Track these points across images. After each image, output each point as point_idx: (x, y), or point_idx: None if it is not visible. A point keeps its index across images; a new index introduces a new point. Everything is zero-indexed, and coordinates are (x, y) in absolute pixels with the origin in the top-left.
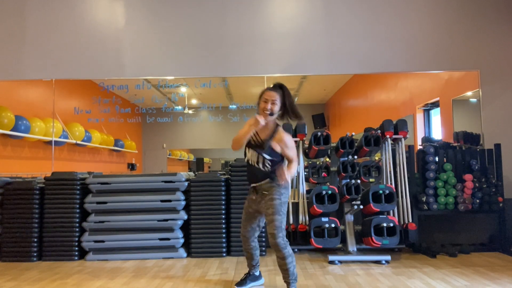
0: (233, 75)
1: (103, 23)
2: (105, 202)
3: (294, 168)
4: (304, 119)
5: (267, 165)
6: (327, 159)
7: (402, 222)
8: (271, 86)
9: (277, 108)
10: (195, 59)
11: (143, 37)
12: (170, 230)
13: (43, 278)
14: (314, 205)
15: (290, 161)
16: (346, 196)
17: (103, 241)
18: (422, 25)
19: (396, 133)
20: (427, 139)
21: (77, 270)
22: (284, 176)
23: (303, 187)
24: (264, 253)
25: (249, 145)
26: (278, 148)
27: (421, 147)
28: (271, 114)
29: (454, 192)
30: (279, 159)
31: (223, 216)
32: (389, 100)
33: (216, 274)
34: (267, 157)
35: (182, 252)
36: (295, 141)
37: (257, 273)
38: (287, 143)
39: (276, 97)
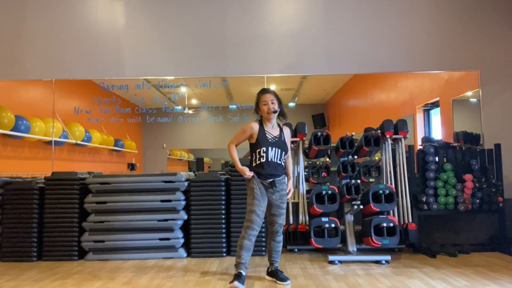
0: (233, 75)
1: (103, 23)
2: (105, 202)
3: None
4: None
5: (283, 160)
6: (327, 159)
7: (402, 222)
8: (262, 90)
9: (277, 106)
10: (195, 59)
11: (143, 37)
12: (170, 230)
13: (43, 278)
14: (314, 205)
15: (288, 155)
16: (346, 196)
17: (103, 241)
18: (422, 25)
19: (396, 133)
20: (427, 139)
21: (77, 270)
22: (291, 190)
23: (303, 187)
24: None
25: (270, 143)
26: (288, 146)
27: (421, 147)
28: (275, 111)
29: (454, 192)
30: None
31: (223, 216)
32: (389, 100)
33: (216, 274)
34: (287, 152)
35: (182, 252)
36: (295, 141)
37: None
38: (289, 137)
39: (273, 97)
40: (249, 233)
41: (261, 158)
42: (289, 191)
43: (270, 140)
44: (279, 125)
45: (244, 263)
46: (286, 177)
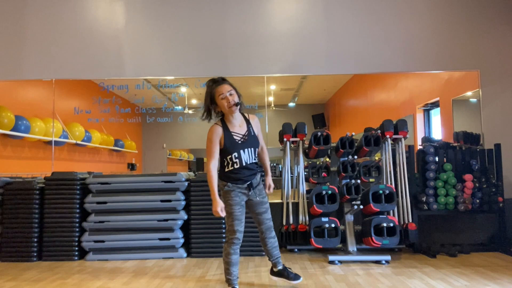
0: (233, 75)
1: (103, 23)
2: (105, 202)
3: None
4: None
5: (256, 156)
6: (327, 159)
7: (402, 222)
8: (213, 81)
9: (237, 97)
10: (195, 59)
11: (143, 37)
12: (170, 230)
13: (43, 278)
14: (314, 205)
15: (262, 147)
16: (346, 196)
17: (103, 241)
18: (422, 25)
19: (396, 133)
20: (427, 139)
21: (77, 270)
22: (272, 186)
23: (303, 187)
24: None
25: (241, 146)
26: (260, 136)
27: (421, 147)
28: (237, 104)
29: (454, 192)
30: None
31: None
32: (389, 100)
33: (216, 274)
34: (259, 145)
35: (182, 252)
36: (295, 141)
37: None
38: (259, 126)
39: (230, 88)
40: (235, 248)
41: (235, 164)
42: (269, 186)
43: (239, 141)
44: (244, 116)
45: (235, 278)
46: (260, 173)
